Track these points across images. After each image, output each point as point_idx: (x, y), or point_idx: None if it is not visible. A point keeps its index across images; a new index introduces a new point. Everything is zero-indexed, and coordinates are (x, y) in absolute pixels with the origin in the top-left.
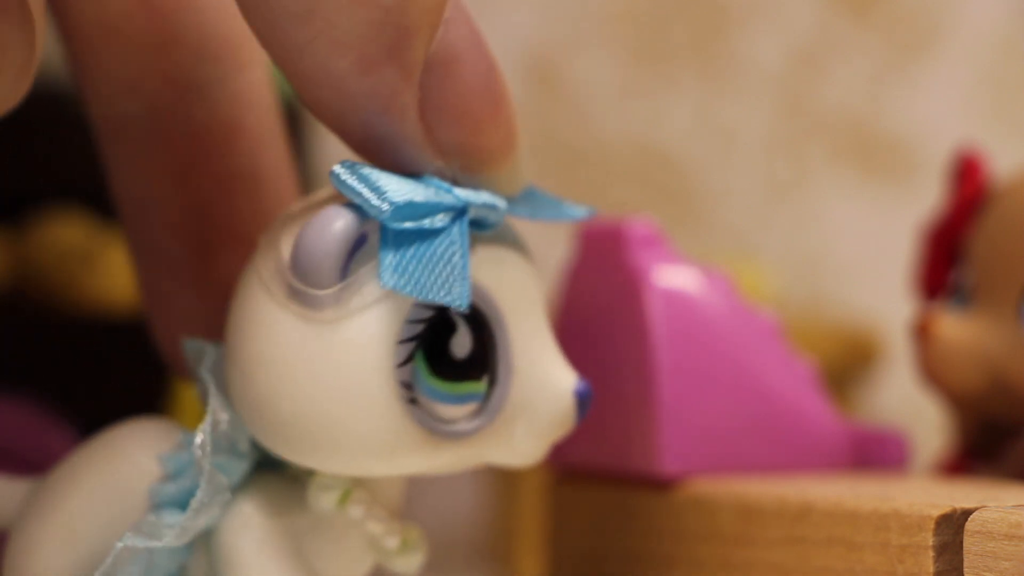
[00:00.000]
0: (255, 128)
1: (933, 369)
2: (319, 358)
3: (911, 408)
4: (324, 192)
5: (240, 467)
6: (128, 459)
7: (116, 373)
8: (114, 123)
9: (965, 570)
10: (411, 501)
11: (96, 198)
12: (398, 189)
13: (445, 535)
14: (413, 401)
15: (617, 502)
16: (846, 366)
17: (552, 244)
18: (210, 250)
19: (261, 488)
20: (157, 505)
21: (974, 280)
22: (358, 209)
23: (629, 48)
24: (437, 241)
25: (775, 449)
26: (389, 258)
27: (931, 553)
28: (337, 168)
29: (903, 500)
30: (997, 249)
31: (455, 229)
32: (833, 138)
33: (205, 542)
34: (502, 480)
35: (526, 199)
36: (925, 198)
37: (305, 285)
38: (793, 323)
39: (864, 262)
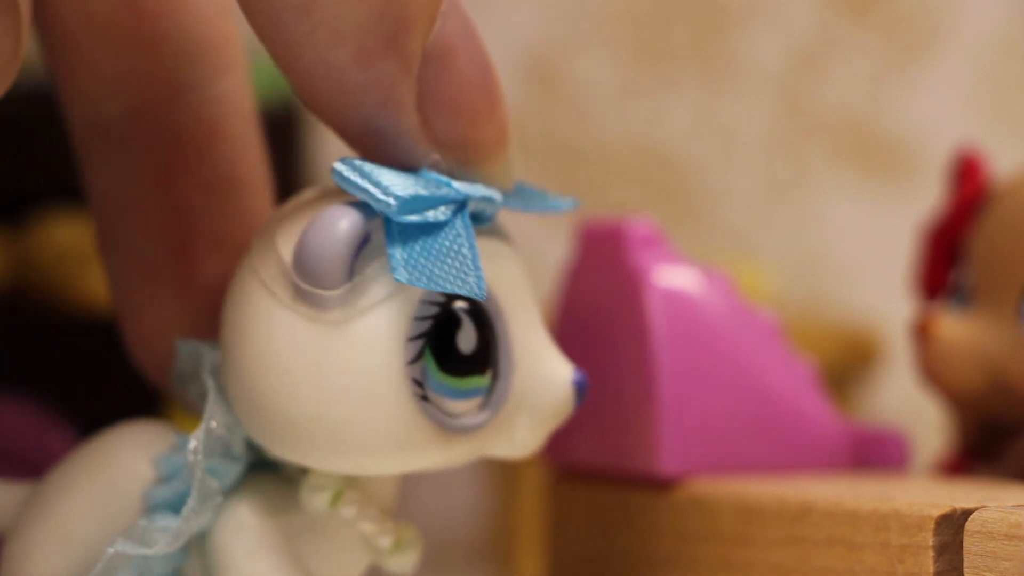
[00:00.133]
0: (235, 132)
1: (933, 369)
2: (328, 359)
3: (911, 408)
4: (312, 192)
5: (234, 469)
6: (122, 462)
7: (116, 373)
8: (94, 125)
9: (965, 570)
10: (410, 500)
11: None
12: (401, 183)
13: (445, 535)
14: (424, 398)
15: (617, 502)
16: (846, 366)
17: (552, 244)
18: (188, 253)
19: (255, 490)
20: (150, 508)
21: (974, 280)
22: (361, 207)
23: (629, 48)
24: (443, 234)
25: (775, 449)
26: (399, 253)
27: (931, 553)
28: (338, 165)
29: (903, 500)
30: (997, 249)
31: (458, 221)
32: (833, 138)
33: (199, 544)
34: (502, 479)
35: (515, 192)
36: (925, 198)
37: (312, 286)
38: (793, 323)
39: (864, 262)
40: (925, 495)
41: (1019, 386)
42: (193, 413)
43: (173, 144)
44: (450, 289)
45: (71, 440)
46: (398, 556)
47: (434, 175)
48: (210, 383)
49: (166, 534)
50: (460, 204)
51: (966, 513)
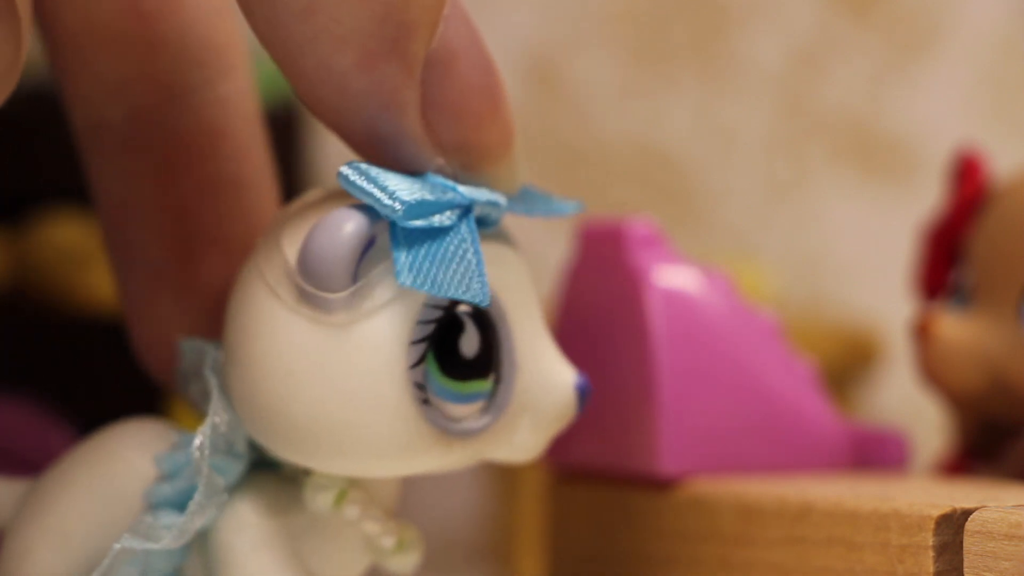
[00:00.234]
0: (238, 133)
1: (933, 369)
2: (332, 361)
3: (911, 408)
4: (317, 193)
5: (237, 467)
6: (122, 460)
7: (116, 373)
8: (97, 127)
9: (965, 570)
10: (411, 501)
11: None
12: (408, 188)
13: (445, 535)
14: (426, 402)
15: (617, 502)
16: (846, 366)
17: (552, 244)
18: (192, 255)
19: (257, 488)
20: (153, 506)
21: (974, 280)
22: (366, 210)
23: (629, 48)
24: (448, 239)
25: (775, 449)
26: (403, 258)
27: (931, 553)
28: (345, 169)
29: (903, 500)
30: (997, 249)
31: (463, 226)
32: (833, 138)
33: (201, 542)
34: (502, 480)
35: (520, 196)
36: (925, 198)
37: (316, 288)
38: (793, 323)
39: (864, 262)
40: (925, 495)
41: (1019, 386)
42: (196, 412)
43: (175, 146)
44: (454, 294)
45: (71, 440)
46: (400, 556)
47: (439, 179)
48: (213, 380)
49: (171, 530)
50: (465, 209)
51: (966, 513)
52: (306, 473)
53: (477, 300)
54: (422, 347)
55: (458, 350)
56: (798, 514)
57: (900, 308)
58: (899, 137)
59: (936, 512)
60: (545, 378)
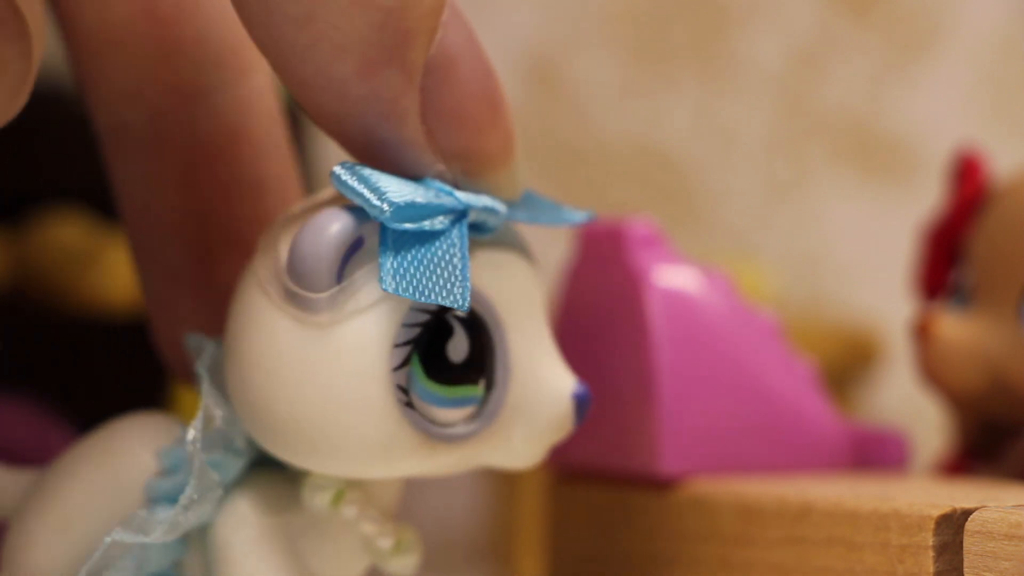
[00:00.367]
0: (258, 134)
1: (933, 369)
2: (314, 361)
3: (911, 408)
4: (325, 194)
5: (236, 464)
6: (127, 453)
7: (116, 373)
8: (117, 129)
9: (965, 570)
10: (411, 501)
11: (96, 198)
12: (399, 190)
13: (445, 535)
14: (409, 405)
15: (617, 502)
16: (846, 366)
17: (552, 244)
18: (212, 256)
19: (258, 485)
20: (151, 500)
21: (974, 280)
22: (356, 211)
23: (629, 48)
24: (437, 244)
25: (775, 449)
26: (389, 261)
27: (931, 553)
28: (337, 169)
29: (903, 500)
30: (997, 249)
31: (455, 232)
32: (833, 138)
33: (201, 538)
34: (502, 480)
35: (526, 203)
36: (925, 198)
37: (301, 288)
38: (793, 323)
39: (864, 262)
40: (925, 495)
41: (1019, 386)
42: None
43: (195, 148)
44: (433, 300)
45: (71, 440)
46: (398, 558)
47: (437, 184)
48: (203, 375)
49: (163, 524)
50: (460, 214)
51: (966, 513)
52: (306, 472)
53: (456, 305)
54: (407, 350)
55: (445, 354)
56: (798, 514)
57: (900, 308)
58: (899, 137)
59: (936, 512)
60: (541, 386)
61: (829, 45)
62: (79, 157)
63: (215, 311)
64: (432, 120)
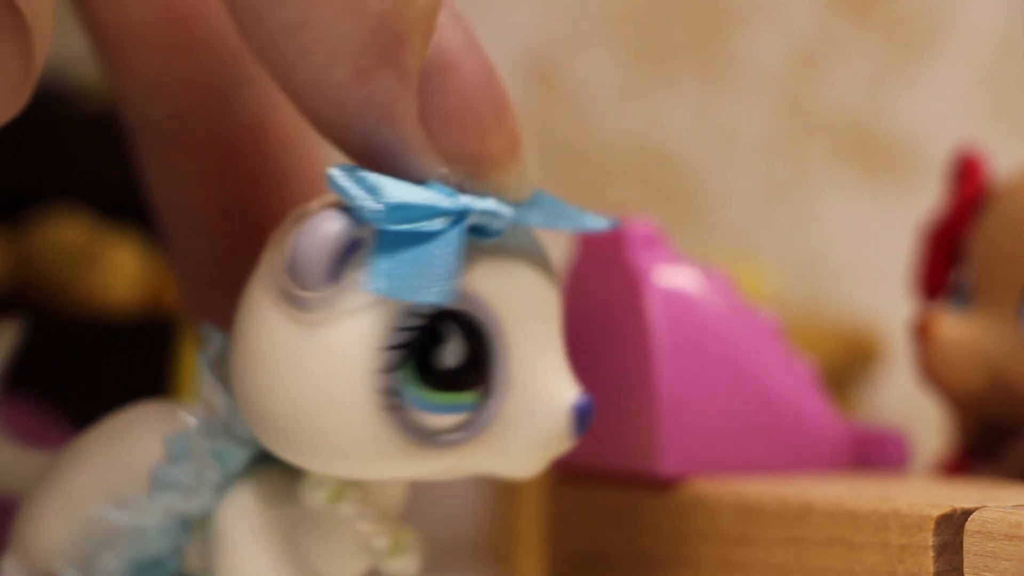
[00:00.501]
0: (283, 128)
1: (933, 369)
2: (304, 359)
3: (911, 408)
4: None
5: (240, 454)
6: (136, 440)
7: (116, 373)
8: (143, 125)
9: (965, 570)
10: (411, 501)
11: (96, 198)
12: (395, 191)
13: (445, 535)
14: (396, 408)
15: (617, 502)
16: (846, 366)
17: (552, 244)
18: (240, 249)
19: (263, 478)
20: (155, 486)
21: (974, 280)
22: (356, 213)
23: (629, 48)
24: (430, 245)
25: (775, 449)
26: (381, 262)
27: (931, 553)
28: (333, 170)
29: (903, 500)
30: (997, 249)
31: (451, 234)
32: (833, 138)
33: (203, 526)
34: (502, 481)
35: (541, 207)
36: (925, 198)
37: (296, 285)
38: (793, 323)
39: (864, 262)
40: (925, 495)
41: (1019, 386)
42: None
43: (220, 142)
44: (414, 297)
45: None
46: (395, 559)
47: (438, 186)
48: (204, 365)
49: (157, 509)
50: (459, 216)
51: (966, 513)
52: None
53: (436, 300)
54: (397, 353)
55: (438, 360)
56: (798, 514)
57: (900, 308)
58: (899, 137)
59: (936, 512)
60: (541, 397)
61: (829, 45)
62: (79, 157)
63: None
64: (433, 123)
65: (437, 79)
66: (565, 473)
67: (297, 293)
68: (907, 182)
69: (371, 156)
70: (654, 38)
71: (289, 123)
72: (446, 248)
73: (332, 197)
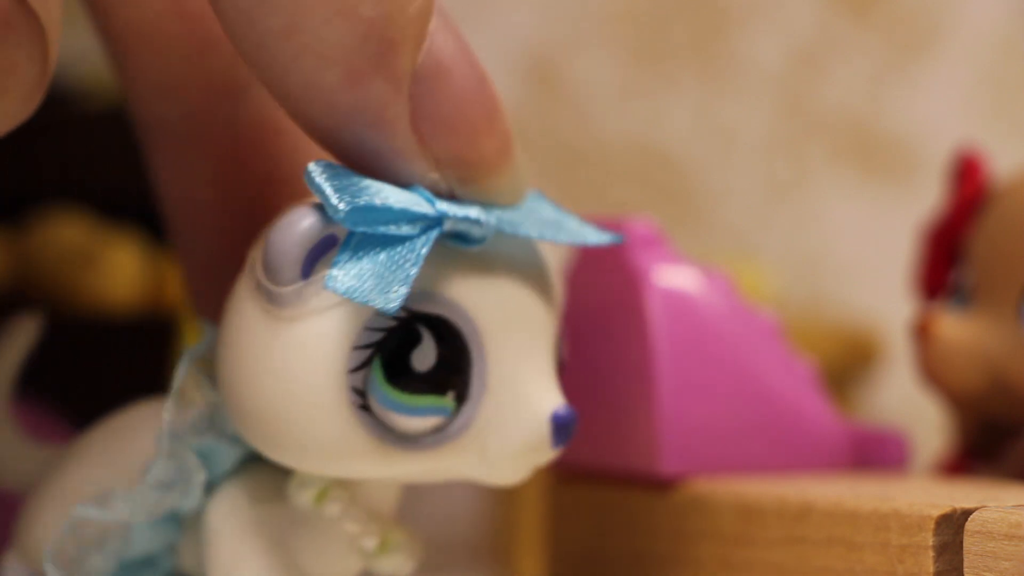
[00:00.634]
0: (294, 128)
1: (933, 369)
2: (274, 354)
3: (911, 408)
4: None
5: (229, 452)
6: (136, 438)
7: (116, 373)
8: (154, 125)
9: (965, 570)
10: (409, 500)
11: (96, 198)
12: (368, 192)
13: (445, 535)
14: (364, 408)
15: (617, 502)
16: (846, 366)
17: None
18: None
19: (254, 475)
20: (141, 483)
21: (974, 280)
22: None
23: (629, 48)
24: (396, 249)
25: (775, 449)
26: (344, 262)
27: (931, 553)
28: (311, 166)
29: (903, 500)
30: (997, 249)
31: (417, 240)
32: (833, 138)
33: (196, 523)
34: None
35: (541, 218)
36: (925, 198)
37: (268, 280)
38: (793, 323)
39: (864, 262)
40: (925, 495)
41: (1019, 386)
42: None
43: (232, 142)
44: (365, 301)
45: (71, 440)
46: (385, 559)
47: (420, 191)
48: (185, 358)
49: (134, 505)
50: (433, 222)
51: (966, 513)
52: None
53: (385, 308)
54: (367, 352)
55: (409, 362)
56: (798, 514)
57: (900, 308)
58: (899, 137)
59: (936, 512)
60: (518, 404)
61: (829, 45)
62: (79, 157)
63: None
64: (425, 128)
65: (428, 84)
66: (565, 473)
67: (270, 288)
68: (907, 182)
69: (362, 160)
70: (654, 38)
71: None
72: (407, 254)
73: None
